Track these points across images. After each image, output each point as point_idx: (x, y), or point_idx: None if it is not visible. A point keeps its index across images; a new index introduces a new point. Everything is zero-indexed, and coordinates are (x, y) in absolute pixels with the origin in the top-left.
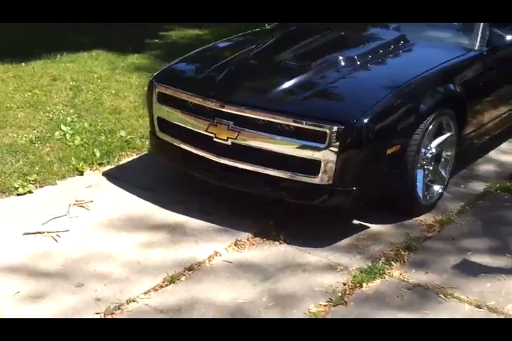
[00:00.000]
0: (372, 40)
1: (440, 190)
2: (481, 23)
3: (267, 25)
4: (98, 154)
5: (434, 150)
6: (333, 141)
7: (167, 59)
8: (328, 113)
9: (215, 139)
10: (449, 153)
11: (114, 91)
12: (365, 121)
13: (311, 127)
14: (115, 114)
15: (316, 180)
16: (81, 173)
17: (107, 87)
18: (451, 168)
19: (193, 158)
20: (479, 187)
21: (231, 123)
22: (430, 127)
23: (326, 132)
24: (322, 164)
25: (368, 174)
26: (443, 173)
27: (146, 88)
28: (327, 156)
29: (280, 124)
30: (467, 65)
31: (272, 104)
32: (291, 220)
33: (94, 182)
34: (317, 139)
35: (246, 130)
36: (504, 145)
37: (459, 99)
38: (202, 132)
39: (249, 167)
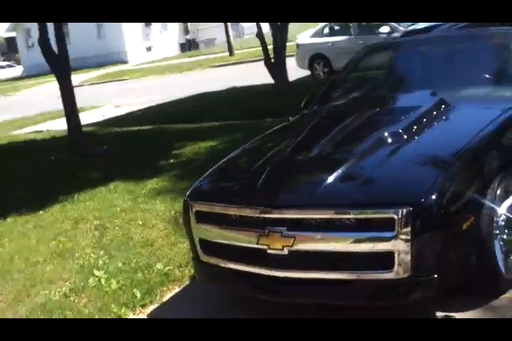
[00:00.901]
0: (411, 111)
1: None
2: None
3: (290, 118)
4: (139, 295)
5: (504, 216)
6: (403, 226)
7: (188, 177)
8: (390, 196)
9: (268, 251)
10: None
11: (141, 222)
12: (434, 197)
13: (374, 215)
14: (147, 247)
15: (391, 275)
16: None
17: (133, 219)
18: None
19: (247, 278)
20: None
21: (284, 229)
22: (498, 192)
23: (392, 218)
24: (395, 255)
25: (446, 256)
26: None
27: (172, 214)
28: (399, 245)
29: (339, 220)
30: None
31: (324, 199)
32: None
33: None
34: (384, 228)
35: (302, 234)
36: None
37: None
38: (253, 246)
39: (312, 274)
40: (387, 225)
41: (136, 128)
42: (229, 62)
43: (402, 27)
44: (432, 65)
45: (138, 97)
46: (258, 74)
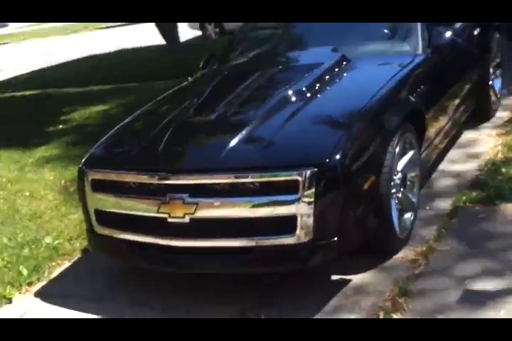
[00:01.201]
0: (314, 68)
1: (412, 218)
2: (418, 24)
3: (189, 78)
4: (25, 272)
5: (400, 175)
6: (307, 188)
7: (80, 144)
8: (294, 158)
9: (169, 219)
10: (413, 174)
11: (28, 193)
12: (338, 157)
13: (277, 178)
14: (35, 219)
15: (293, 240)
16: (9, 300)
17: (19, 190)
18: (419, 191)
19: (144, 249)
20: (446, 203)
21: (185, 195)
22: (397, 149)
23: (296, 180)
24: (298, 218)
25: (347, 217)
26: (411, 198)
27: (62, 183)
28: (302, 208)
29: (242, 184)
30: (417, 72)
31: (227, 162)
32: (267, 295)
33: (26, 309)
34: (287, 191)
35: (204, 200)
36: (451, 155)
37: (417, 110)
38: (153, 215)
39: (215, 243)
40: (291, 188)
41: (20, 93)
42: (116, 23)
43: None
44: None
45: (21, 62)
46: (149, 36)
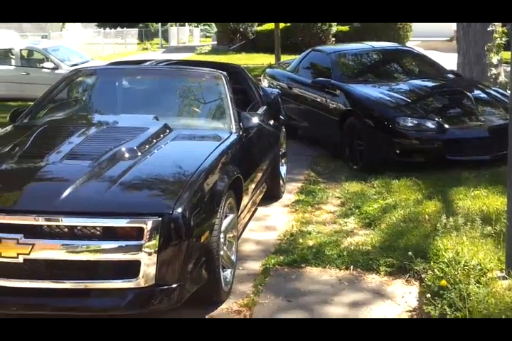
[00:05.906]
0: (140, 131)
1: (231, 274)
2: (230, 109)
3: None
4: None
5: (222, 234)
6: (151, 236)
7: None
8: (140, 206)
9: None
10: (232, 235)
11: None
12: (180, 210)
13: (122, 225)
14: None
15: (134, 284)
16: None
17: None
18: (236, 250)
19: None
20: (256, 265)
21: (21, 236)
22: (224, 210)
23: (141, 227)
24: (142, 263)
25: (186, 267)
26: (231, 256)
27: None
28: (146, 254)
29: (85, 227)
30: (234, 147)
31: (69, 205)
32: None
33: None
34: (132, 237)
35: (42, 241)
36: (251, 226)
37: (238, 179)
38: None
39: (51, 285)
40: (135, 235)
41: None
42: None
43: (67, 65)
44: (144, 93)
45: None
46: None
